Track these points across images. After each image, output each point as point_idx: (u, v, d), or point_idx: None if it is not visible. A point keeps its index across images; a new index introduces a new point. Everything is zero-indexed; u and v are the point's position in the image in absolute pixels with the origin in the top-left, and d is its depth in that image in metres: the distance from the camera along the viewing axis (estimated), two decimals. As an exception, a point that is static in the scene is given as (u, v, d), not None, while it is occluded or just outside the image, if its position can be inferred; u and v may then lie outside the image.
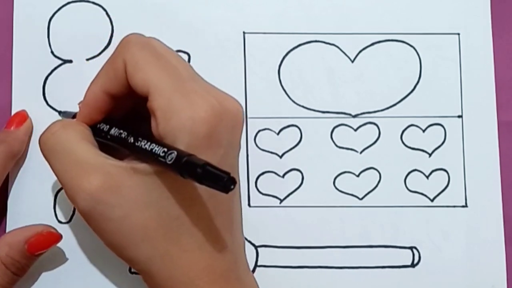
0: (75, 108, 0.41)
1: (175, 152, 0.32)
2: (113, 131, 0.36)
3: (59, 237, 0.39)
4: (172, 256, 0.34)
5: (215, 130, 0.33)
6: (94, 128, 0.37)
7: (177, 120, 0.33)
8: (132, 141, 0.35)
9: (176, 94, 0.33)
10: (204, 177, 0.30)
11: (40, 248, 0.38)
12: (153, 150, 0.33)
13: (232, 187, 0.30)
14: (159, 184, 0.34)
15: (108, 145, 0.36)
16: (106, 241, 0.35)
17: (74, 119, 0.38)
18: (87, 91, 0.37)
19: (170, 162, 0.31)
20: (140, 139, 0.34)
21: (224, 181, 0.30)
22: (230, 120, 0.35)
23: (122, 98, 0.36)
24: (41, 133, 0.41)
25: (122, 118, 0.38)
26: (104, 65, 0.36)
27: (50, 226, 0.39)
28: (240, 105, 0.36)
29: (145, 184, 0.33)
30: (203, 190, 0.34)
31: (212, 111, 0.33)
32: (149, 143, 0.33)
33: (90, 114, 0.37)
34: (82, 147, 0.35)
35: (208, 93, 0.34)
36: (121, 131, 0.36)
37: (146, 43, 0.35)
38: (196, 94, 0.34)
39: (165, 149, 0.32)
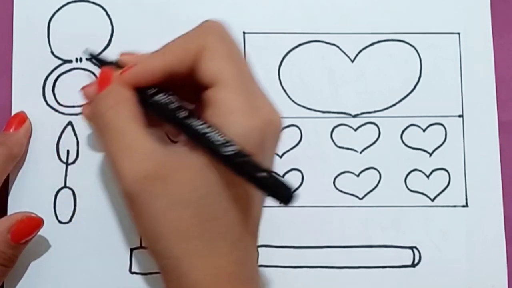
0: (75, 109, 0.42)
1: (237, 146, 0.31)
2: (161, 97, 0.34)
3: (40, 222, 0.38)
4: (204, 257, 0.33)
5: (265, 142, 0.33)
6: (137, 89, 0.35)
7: (236, 120, 0.32)
8: (183, 116, 0.33)
9: (242, 93, 0.33)
10: (266, 184, 0.29)
11: (23, 236, 0.38)
12: (209, 135, 0.31)
13: (292, 201, 0.29)
14: (207, 183, 0.33)
15: (152, 122, 0.35)
16: (142, 228, 0.34)
17: (119, 85, 0.35)
18: (147, 59, 0.35)
19: (227, 154, 0.30)
20: (192, 117, 0.33)
21: (289, 193, 0.29)
22: (277, 133, 0.35)
23: (175, 80, 0.35)
24: (41, 133, 0.41)
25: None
26: (171, 44, 0.35)
27: (31, 212, 0.39)
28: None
29: (193, 181, 0.33)
30: (242, 193, 0.33)
31: (267, 122, 0.33)
32: (203, 125, 0.32)
33: (140, 83, 0.35)
34: (135, 129, 0.33)
35: (265, 102, 0.34)
36: (172, 99, 0.34)
37: (226, 35, 0.35)
38: (257, 99, 0.34)
39: (223, 139, 0.31)
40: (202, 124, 0.32)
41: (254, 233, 0.35)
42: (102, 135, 0.35)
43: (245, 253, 0.34)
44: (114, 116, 0.34)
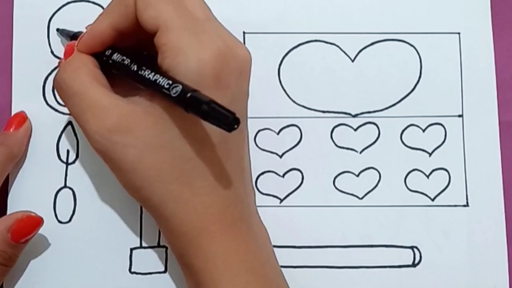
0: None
1: (180, 86, 0.32)
2: (116, 56, 0.36)
3: (40, 221, 0.38)
4: (186, 199, 0.34)
5: (222, 73, 0.33)
6: (96, 54, 0.37)
7: (184, 57, 0.33)
8: (135, 69, 0.34)
9: (185, 31, 0.33)
10: (209, 113, 0.30)
11: (23, 235, 0.38)
12: (157, 81, 0.33)
13: (235, 126, 0.30)
14: (171, 125, 0.34)
15: (118, 83, 0.36)
16: (123, 181, 0.35)
17: (78, 52, 0.37)
18: (94, 24, 0.36)
19: (174, 95, 0.31)
20: (144, 68, 0.34)
21: (229, 120, 0.30)
22: (238, 65, 0.34)
23: (128, 34, 0.36)
24: (41, 133, 0.41)
25: (126, 51, 0.37)
26: (112, 3, 0.36)
27: (30, 211, 0.39)
28: (249, 52, 0.36)
29: (157, 126, 0.34)
30: (213, 133, 0.34)
31: (220, 53, 0.33)
32: (153, 74, 0.33)
33: (94, 46, 0.36)
34: (95, 89, 0.35)
35: (219, 36, 0.34)
36: (124, 57, 0.35)
37: None
38: (206, 34, 0.34)
39: (170, 82, 0.32)
40: (151, 72, 0.33)
41: (238, 172, 0.36)
42: (66, 101, 0.36)
43: (231, 192, 0.35)
44: (74, 80, 0.35)
